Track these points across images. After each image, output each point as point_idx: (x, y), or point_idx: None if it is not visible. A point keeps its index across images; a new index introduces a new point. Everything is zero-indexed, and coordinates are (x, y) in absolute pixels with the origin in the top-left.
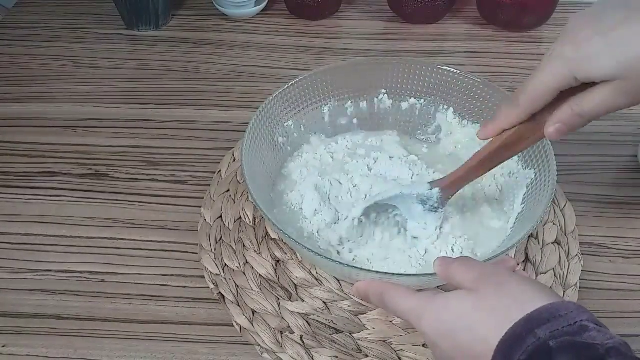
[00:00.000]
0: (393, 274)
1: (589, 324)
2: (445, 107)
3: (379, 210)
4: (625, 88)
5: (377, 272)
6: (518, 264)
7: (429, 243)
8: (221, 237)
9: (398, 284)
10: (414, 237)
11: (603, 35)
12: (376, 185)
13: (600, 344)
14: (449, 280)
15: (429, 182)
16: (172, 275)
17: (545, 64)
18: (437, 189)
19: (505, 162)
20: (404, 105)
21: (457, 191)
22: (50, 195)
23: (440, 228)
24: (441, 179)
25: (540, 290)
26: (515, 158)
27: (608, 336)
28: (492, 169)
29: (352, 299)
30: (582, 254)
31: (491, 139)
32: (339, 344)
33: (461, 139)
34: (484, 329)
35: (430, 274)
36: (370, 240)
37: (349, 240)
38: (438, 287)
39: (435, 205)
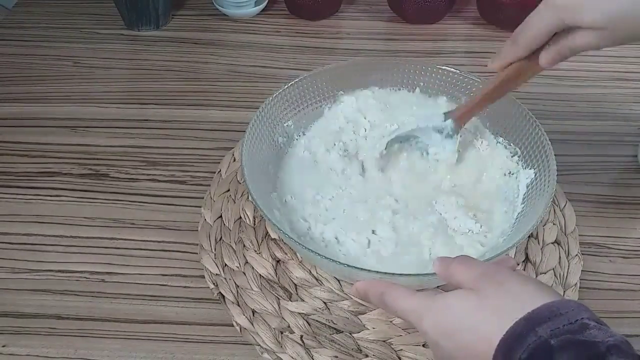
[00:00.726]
0: (393, 273)
1: (590, 322)
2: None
3: (401, 141)
4: (607, 35)
5: (377, 272)
6: (518, 264)
7: (447, 168)
8: (221, 237)
9: (398, 283)
10: (436, 160)
11: None
12: (390, 120)
13: (601, 341)
14: (449, 280)
15: (443, 113)
16: (172, 275)
17: (539, 9)
18: (450, 120)
19: (505, 162)
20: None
21: (468, 120)
22: (51, 195)
23: (458, 151)
24: (453, 110)
25: (541, 289)
26: (515, 158)
27: (609, 334)
28: (496, 100)
29: (352, 299)
30: (582, 254)
31: (494, 76)
32: (339, 344)
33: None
34: (485, 328)
35: (431, 274)
36: (396, 167)
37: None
38: (438, 286)
39: (451, 133)
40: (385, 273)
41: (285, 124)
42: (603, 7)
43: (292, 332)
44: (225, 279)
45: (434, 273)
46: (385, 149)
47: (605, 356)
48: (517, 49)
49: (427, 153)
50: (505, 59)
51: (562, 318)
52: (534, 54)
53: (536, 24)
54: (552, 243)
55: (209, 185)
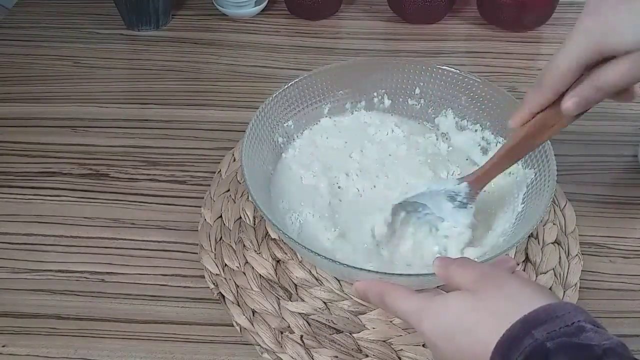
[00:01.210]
0: (392, 274)
1: (586, 325)
2: (445, 107)
3: (408, 209)
4: None
5: (376, 272)
6: (518, 264)
7: (460, 242)
8: (221, 237)
9: (397, 284)
10: (445, 236)
11: (627, 4)
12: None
13: (597, 344)
14: (448, 281)
15: (457, 178)
16: (172, 275)
17: (568, 39)
18: (465, 184)
19: None
20: (404, 105)
21: (485, 185)
22: (51, 195)
23: (472, 224)
24: (468, 174)
25: (538, 292)
26: None
27: (605, 337)
28: (519, 159)
29: (352, 298)
30: (582, 254)
31: (516, 131)
32: (339, 344)
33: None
34: (482, 330)
35: (430, 274)
36: (402, 241)
37: (380, 242)
38: (438, 287)
39: (465, 200)
40: (385, 273)
41: (285, 124)
42: None
43: (292, 332)
44: (225, 279)
45: (433, 273)
46: (391, 214)
47: (601, 359)
48: (542, 93)
49: (437, 229)
50: (530, 109)
51: (558, 321)
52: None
53: (566, 56)
54: (552, 243)
55: (209, 185)
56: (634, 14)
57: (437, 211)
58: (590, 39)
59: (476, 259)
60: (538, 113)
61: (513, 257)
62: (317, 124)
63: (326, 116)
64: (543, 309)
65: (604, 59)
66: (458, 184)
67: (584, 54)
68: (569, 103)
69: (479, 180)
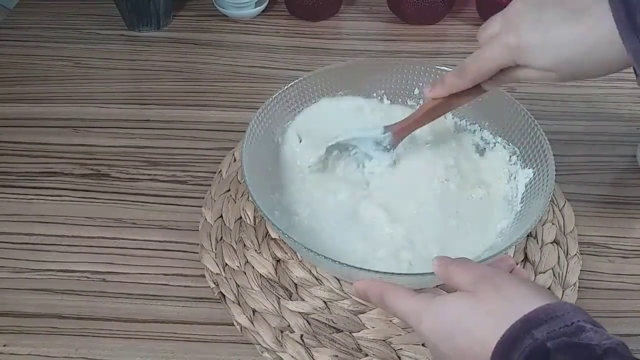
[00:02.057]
0: (392, 273)
1: (586, 325)
2: None
3: (340, 149)
4: (551, 75)
5: (376, 271)
6: (517, 263)
7: (384, 180)
8: (222, 237)
9: (397, 283)
10: (370, 172)
11: (542, 32)
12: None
13: (597, 344)
14: (448, 281)
15: (383, 126)
16: (173, 274)
17: (491, 47)
18: (388, 133)
19: (505, 162)
20: (403, 106)
21: (405, 136)
22: (52, 195)
23: (394, 163)
24: (393, 124)
25: (537, 292)
26: (514, 158)
27: (605, 336)
28: (435, 119)
29: (352, 298)
30: (581, 254)
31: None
32: (339, 343)
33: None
34: (481, 331)
35: (430, 273)
36: (331, 173)
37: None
38: (437, 286)
39: (388, 147)
40: (385, 273)
41: (285, 124)
42: (554, 52)
43: (292, 332)
44: (225, 278)
45: (432, 272)
46: (324, 153)
47: (601, 359)
48: (463, 81)
49: (364, 166)
50: (449, 89)
51: (558, 321)
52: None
53: (488, 60)
54: (551, 243)
55: (210, 185)
56: (546, 44)
57: (365, 150)
58: (511, 52)
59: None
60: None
61: (512, 256)
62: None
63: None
64: (543, 309)
65: None
66: (383, 133)
67: (503, 62)
68: (491, 83)
69: (400, 131)
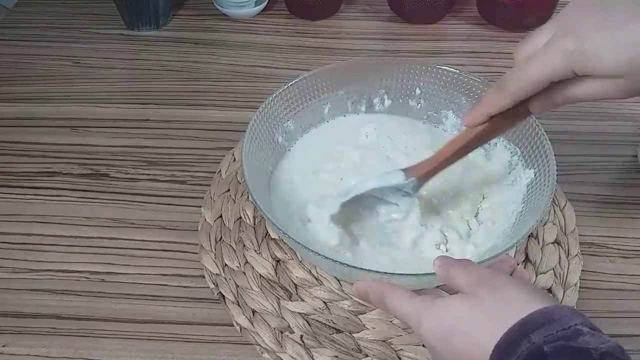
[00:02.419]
0: (393, 273)
1: (583, 328)
2: (446, 107)
3: (357, 203)
4: (622, 85)
5: (376, 272)
6: (518, 264)
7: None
8: (221, 237)
9: (398, 285)
10: (387, 220)
11: (610, 31)
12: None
13: (594, 348)
14: (448, 282)
15: (402, 170)
16: (172, 275)
17: (543, 55)
18: (412, 179)
19: (505, 163)
20: (405, 105)
21: (431, 177)
22: (51, 195)
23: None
24: (415, 166)
25: (535, 294)
26: (515, 158)
27: (602, 340)
28: (464, 155)
29: (352, 298)
30: (582, 254)
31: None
32: (339, 344)
33: None
34: (480, 334)
35: (430, 274)
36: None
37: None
38: (438, 286)
39: (410, 192)
40: (385, 273)
41: (285, 124)
42: (629, 51)
43: (292, 332)
44: (225, 278)
45: (433, 273)
46: (339, 210)
47: None
48: (503, 99)
49: (378, 214)
50: (488, 111)
51: (555, 324)
52: (519, 105)
53: (537, 71)
54: (552, 243)
55: (209, 185)
56: (616, 44)
57: (384, 197)
58: (569, 58)
59: (473, 258)
60: (493, 117)
61: (513, 257)
62: (317, 124)
63: (326, 119)
64: (540, 312)
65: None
66: (405, 180)
67: (560, 71)
68: (539, 106)
69: (426, 175)
